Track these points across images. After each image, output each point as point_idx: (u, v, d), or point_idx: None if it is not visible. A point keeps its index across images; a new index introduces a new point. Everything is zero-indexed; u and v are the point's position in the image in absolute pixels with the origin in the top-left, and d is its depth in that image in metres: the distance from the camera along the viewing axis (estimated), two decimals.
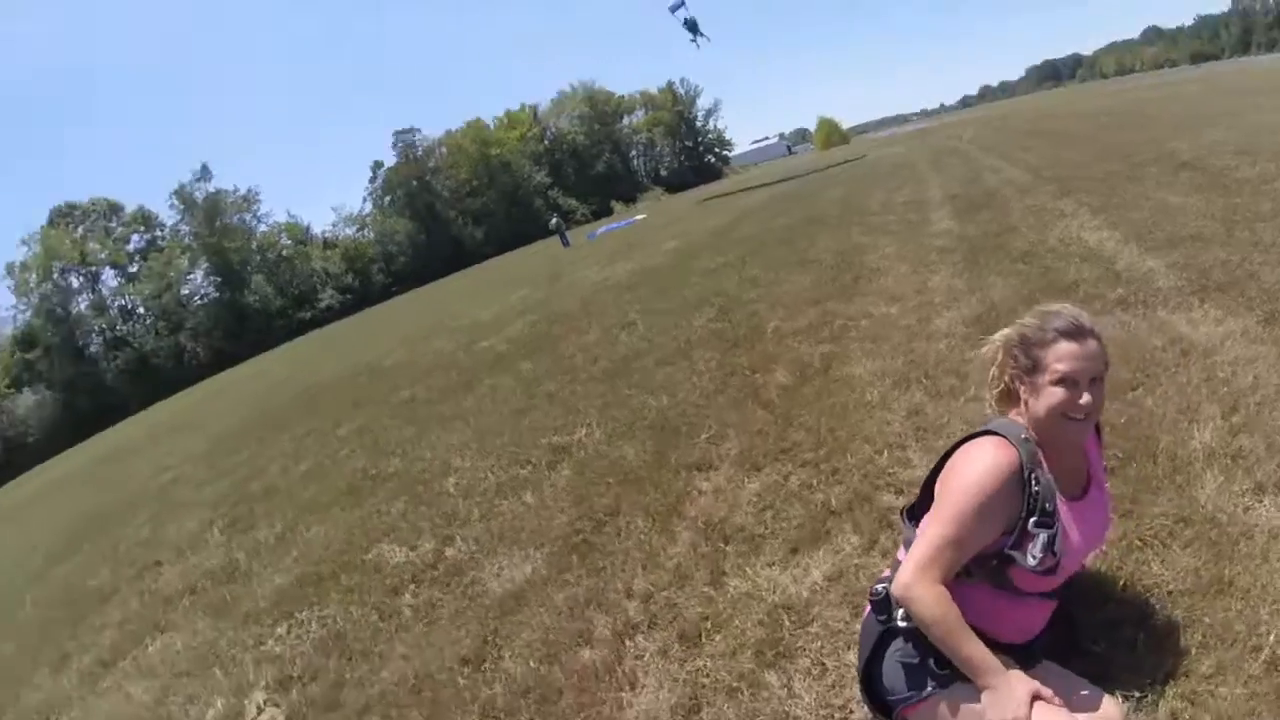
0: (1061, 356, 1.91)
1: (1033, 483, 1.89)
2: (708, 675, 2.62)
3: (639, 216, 35.52)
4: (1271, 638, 2.08)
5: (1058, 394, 1.91)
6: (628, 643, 2.92)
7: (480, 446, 5.75)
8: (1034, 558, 1.89)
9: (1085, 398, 1.91)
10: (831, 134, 71.10)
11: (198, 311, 56.19)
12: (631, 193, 71.98)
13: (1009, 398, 2.08)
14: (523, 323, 11.17)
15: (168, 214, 59.18)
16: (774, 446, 4.05)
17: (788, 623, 2.71)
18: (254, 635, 4.14)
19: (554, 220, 42.22)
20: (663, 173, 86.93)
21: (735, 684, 2.53)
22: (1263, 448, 2.89)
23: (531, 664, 2.98)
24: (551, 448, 5.18)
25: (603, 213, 64.24)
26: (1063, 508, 1.96)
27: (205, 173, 58.43)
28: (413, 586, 4.00)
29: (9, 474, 34.70)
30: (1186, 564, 2.42)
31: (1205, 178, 7.51)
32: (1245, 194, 6.52)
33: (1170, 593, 2.34)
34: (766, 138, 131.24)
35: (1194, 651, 2.12)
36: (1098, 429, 2.17)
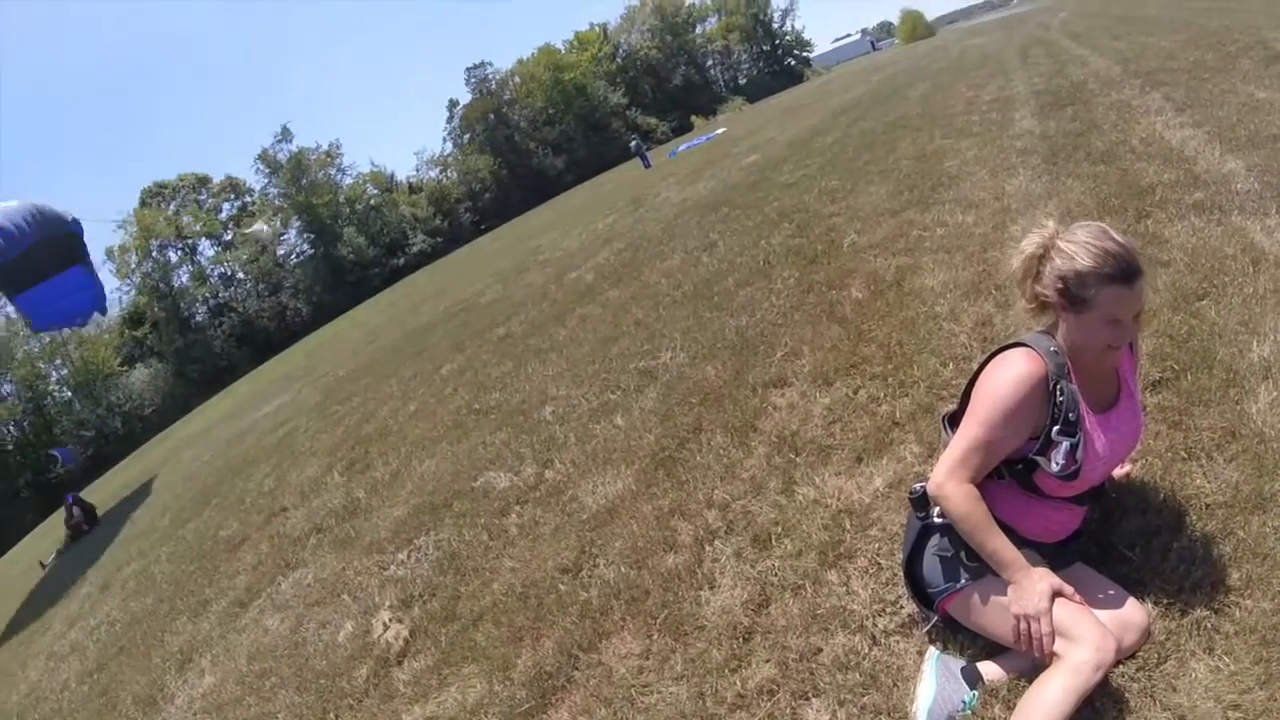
0: (1113, 300, 1.95)
1: (1058, 394, 2.01)
2: (776, 575, 2.87)
3: (719, 130, 34.75)
4: None
5: (1103, 332, 1.98)
6: (707, 547, 3.21)
7: (573, 375, 6.09)
8: (1057, 464, 2.03)
9: (1128, 333, 2.00)
10: (916, 26, 67.16)
11: (295, 270, 57.97)
12: (711, 105, 70.10)
13: (1044, 308, 2.14)
14: (609, 250, 11.38)
15: (254, 179, 60.96)
16: (845, 362, 4.21)
17: (849, 526, 2.94)
18: (377, 563, 4.62)
19: (634, 142, 41.73)
20: (741, 81, 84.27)
21: (800, 582, 2.78)
22: None
23: (623, 569, 3.32)
24: (639, 372, 5.47)
25: (683, 128, 62.91)
26: (1089, 418, 2.07)
27: (286, 134, 59.51)
28: (517, 507, 4.39)
29: (131, 445, 36.80)
30: (1229, 478, 2.46)
31: None
32: None
33: (1208, 505, 2.40)
34: (849, 34, 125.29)
35: (1225, 564, 2.19)
36: (1132, 345, 2.24)
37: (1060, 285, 2.02)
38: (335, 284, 55.65)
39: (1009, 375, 2.05)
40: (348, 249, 57.93)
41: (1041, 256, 2.08)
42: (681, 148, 33.64)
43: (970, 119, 9.76)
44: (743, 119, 39.38)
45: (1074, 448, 2.02)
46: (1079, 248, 1.99)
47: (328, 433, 8.82)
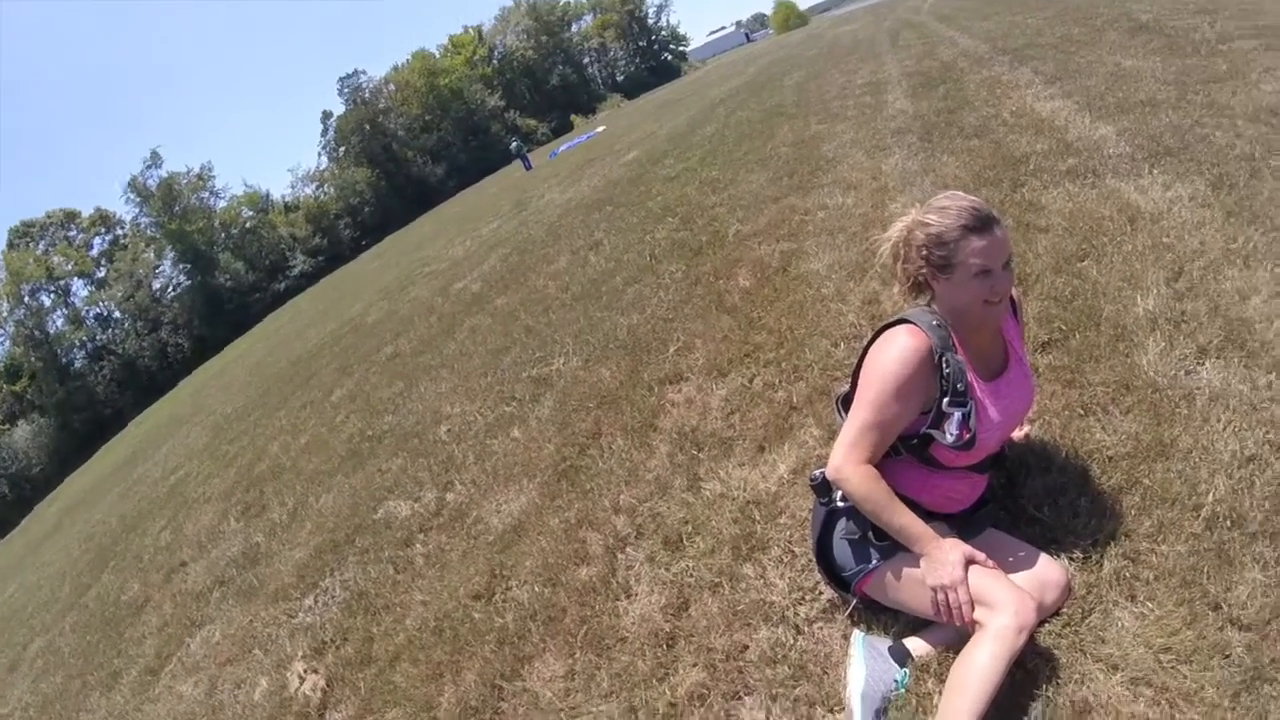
0: (975, 251, 1.98)
1: (944, 365, 2.01)
2: (691, 575, 2.82)
3: (599, 128, 34.79)
4: (1211, 496, 2.20)
5: (976, 286, 2.00)
6: (619, 555, 3.13)
7: (466, 390, 5.90)
8: (951, 434, 2.03)
9: (999, 283, 2.01)
10: (790, 16, 68.96)
11: (173, 304, 55.18)
12: (590, 103, 70.24)
13: (918, 288, 2.17)
14: (495, 257, 11.15)
15: (125, 209, 57.82)
16: (738, 351, 4.20)
17: (759, 517, 2.91)
18: (285, 611, 4.35)
19: (514, 144, 41.48)
20: (619, 78, 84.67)
21: (716, 580, 2.73)
22: (1205, 311, 2.99)
23: (536, 588, 3.19)
24: (533, 381, 5.33)
25: (562, 129, 62.77)
26: (979, 386, 2.09)
27: (156, 159, 56.49)
28: (421, 536, 4.19)
29: (21, 510, 34.64)
30: (1127, 429, 2.54)
31: (1163, 40, 7.43)
32: (1202, 54, 6.48)
33: (1111, 458, 2.47)
34: (723, 27, 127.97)
35: (1134, 513, 2.26)
36: (1015, 309, 2.28)
37: (925, 253, 2.06)
38: (214, 315, 53.14)
39: (893, 353, 2.05)
40: (225, 276, 55.36)
41: (906, 239, 2.12)
42: (562, 148, 33.51)
43: (845, 103, 9.99)
44: (622, 116, 39.50)
45: (966, 417, 2.02)
46: (932, 214, 2.05)
47: (220, 476, 8.34)
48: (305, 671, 3.67)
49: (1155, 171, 4.38)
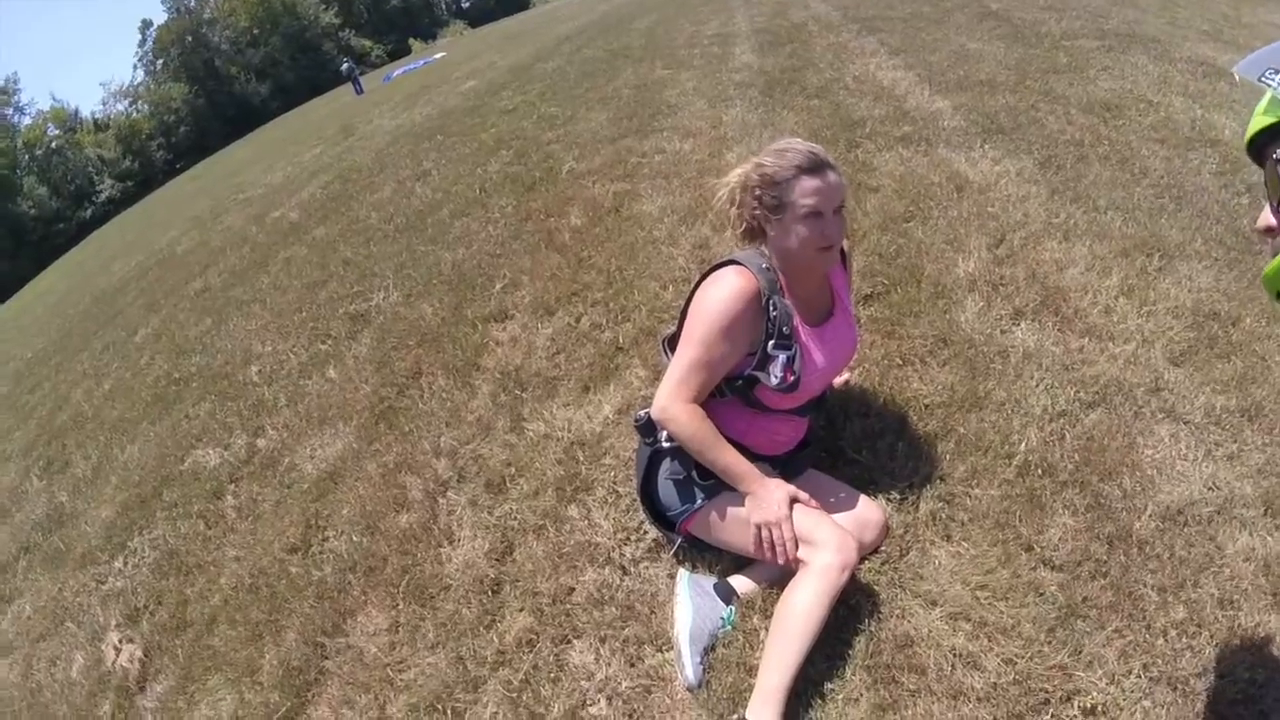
0: (807, 192, 1.96)
1: (771, 308, 2.01)
2: (515, 518, 2.76)
3: (439, 55, 33.33)
4: (1023, 446, 2.34)
5: (806, 228, 1.98)
6: (440, 500, 3.02)
7: (279, 327, 5.51)
8: (776, 377, 2.03)
9: (830, 228, 2.00)
10: None
11: None
12: (431, 29, 67.13)
13: (753, 233, 2.15)
14: (315, 185, 10.41)
15: None
16: (566, 290, 4.12)
17: (583, 458, 2.88)
18: (94, 576, 3.97)
19: (346, 65, 39.06)
20: (464, 5, 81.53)
21: (540, 522, 2.69)
22: (1023, 277, 3.16)
23: (354, 538, 3.04)
24: (350, 317, 5.03)
25: (400, 53, 59.64)
26: (804, 331, 2.10)
27: None
28: (232, 486, 3.91)
29: None
30: (944, 380, 2.65)
31: (1009, 28, 7.71)
32: (1045, 46, 6.76)
33: (927, 406, 2.57)
34: None
35: (949, 458, 2.36)
36: (844, 258, 2.29)
37: (758, 194, 2.04)
38: (16, 247, 47.39)
39: (721, 293, 2.03)
40: (29, 203, 49.46)
41: (743, 183, 2.09)
42: (397, 73, 32.11)
43: (692, 52, 9.91)
44: (464, 44, 38.01)
45: (791, 360, 2.04)
46: (768, 157, 2.03)
47: (20, 429, 7.44)
48: (121, 642, 3.37)
49: (986, 146, 4.59)
